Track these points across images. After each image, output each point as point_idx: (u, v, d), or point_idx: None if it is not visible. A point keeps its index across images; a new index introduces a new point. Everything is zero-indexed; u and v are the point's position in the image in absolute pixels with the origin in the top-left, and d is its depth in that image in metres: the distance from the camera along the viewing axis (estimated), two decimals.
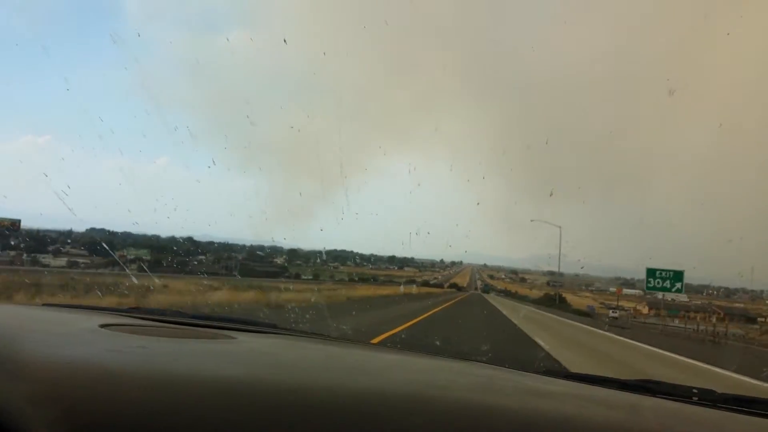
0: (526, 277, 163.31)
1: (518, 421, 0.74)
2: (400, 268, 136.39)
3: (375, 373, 1.03)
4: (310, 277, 55.44)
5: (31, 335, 0.88)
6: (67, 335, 0.95)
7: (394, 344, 7.91)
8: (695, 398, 1.06)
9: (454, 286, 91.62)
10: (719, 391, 1.13)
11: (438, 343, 10.37)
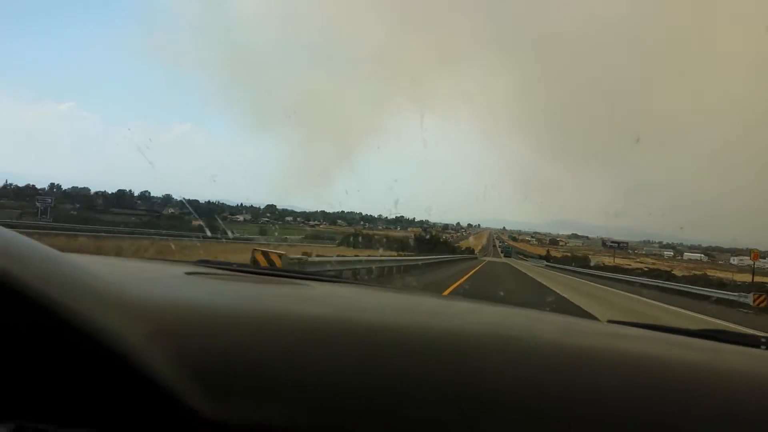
0: (559, 240, 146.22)
1: (605, 358, 0.75)
2: (404, 228, 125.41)
3: (453, 317, 1.05)
4: (249, 235, 44.77)
5: (131, 280, 0.88)
6: (160, 280, 0.98)
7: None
8: (764, 346, 1.04)
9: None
10: None
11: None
